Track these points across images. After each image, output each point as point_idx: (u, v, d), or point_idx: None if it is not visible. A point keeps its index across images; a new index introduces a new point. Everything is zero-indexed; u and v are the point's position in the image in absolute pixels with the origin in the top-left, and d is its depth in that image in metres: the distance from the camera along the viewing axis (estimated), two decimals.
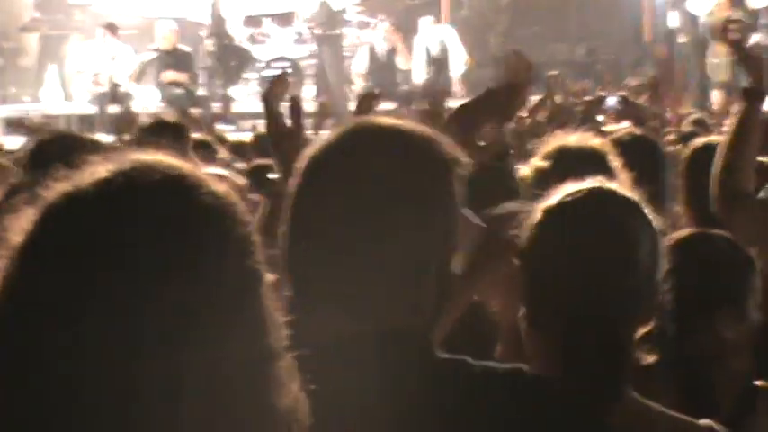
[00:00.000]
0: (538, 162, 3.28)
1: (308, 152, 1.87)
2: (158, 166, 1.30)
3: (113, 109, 14.48)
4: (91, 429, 1.21)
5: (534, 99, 7.24)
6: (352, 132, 1.89)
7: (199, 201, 1.29)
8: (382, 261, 1.78)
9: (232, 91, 15.72)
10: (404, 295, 1.80)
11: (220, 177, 3.36)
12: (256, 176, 4.94)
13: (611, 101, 8.85)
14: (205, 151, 6.21)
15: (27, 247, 1.25)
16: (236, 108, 15.35)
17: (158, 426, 1.22)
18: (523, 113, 6.57)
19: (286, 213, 1.85)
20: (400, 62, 16.07)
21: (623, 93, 9.47)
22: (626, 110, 8.43)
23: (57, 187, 1.28)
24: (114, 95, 14.62)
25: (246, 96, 15.86)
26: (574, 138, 3.33)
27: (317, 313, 1.78)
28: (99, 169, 1.29)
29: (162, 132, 5.26)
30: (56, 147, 3.60)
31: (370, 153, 1.84)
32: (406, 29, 16.27)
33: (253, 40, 16.33)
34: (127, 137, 7.60)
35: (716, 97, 14.64)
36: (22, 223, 1.27)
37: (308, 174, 1.86)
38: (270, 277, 1.33)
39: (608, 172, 2.96)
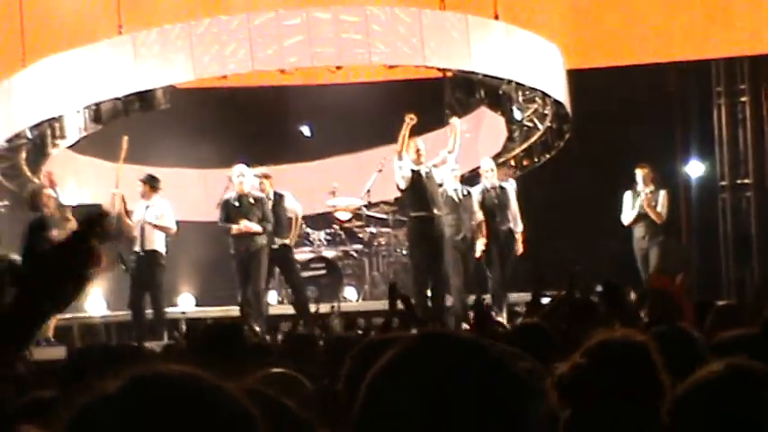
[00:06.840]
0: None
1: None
2: (175, 378, 1.31)
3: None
4: None
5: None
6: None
7: (212, 415, 1.29)
8: None
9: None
10: None
11: (281, 378, 3.30)
12: None
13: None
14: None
15: None
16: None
17: None
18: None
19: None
20: None
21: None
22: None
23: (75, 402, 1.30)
24: None
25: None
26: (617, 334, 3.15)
27: None
28: (111, 385, 1.30)
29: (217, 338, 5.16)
30: (94, 357, 3.60)
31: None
32: None
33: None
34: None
35: None
36: None
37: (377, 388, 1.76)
38: None
39: (651, 368, 2.90)
